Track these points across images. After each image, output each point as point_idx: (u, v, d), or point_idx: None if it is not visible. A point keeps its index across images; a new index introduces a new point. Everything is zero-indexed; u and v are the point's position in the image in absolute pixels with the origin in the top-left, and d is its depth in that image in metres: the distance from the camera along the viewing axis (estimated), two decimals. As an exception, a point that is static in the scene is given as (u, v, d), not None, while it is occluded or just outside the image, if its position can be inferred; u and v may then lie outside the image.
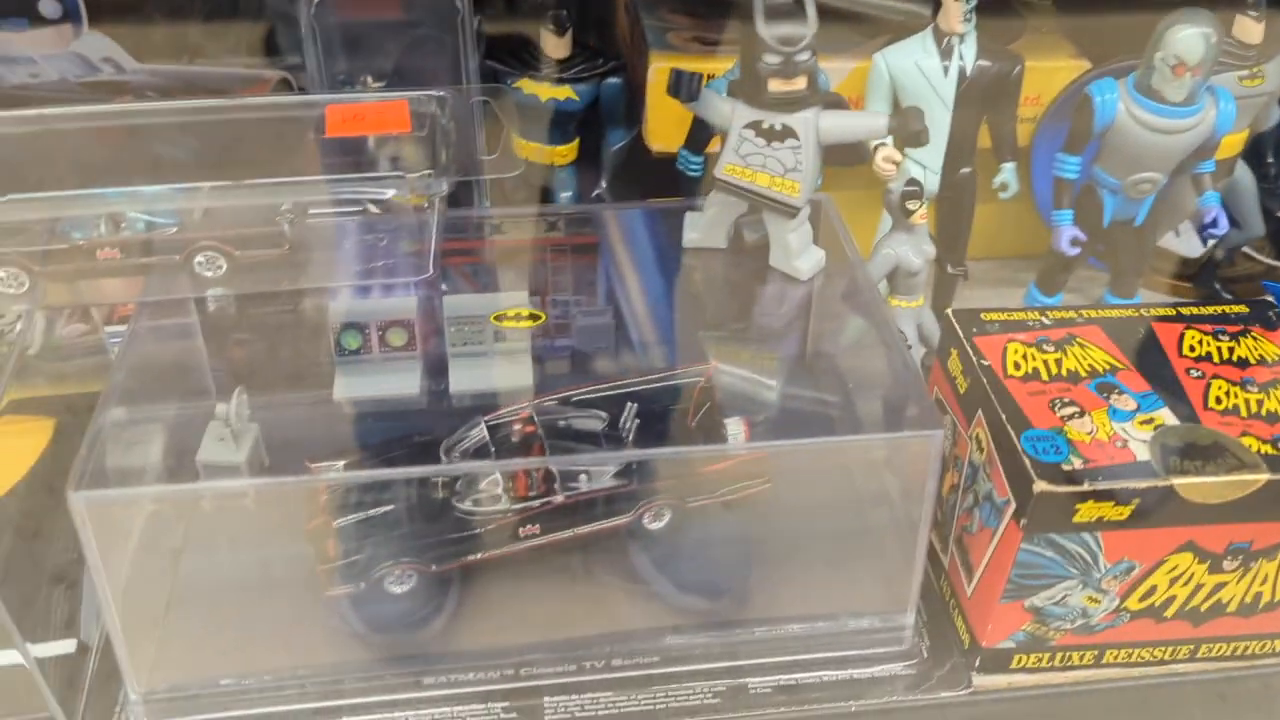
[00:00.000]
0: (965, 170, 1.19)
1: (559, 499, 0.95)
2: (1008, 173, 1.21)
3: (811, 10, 0.91)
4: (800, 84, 0.93)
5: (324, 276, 0.96)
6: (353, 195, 0.91)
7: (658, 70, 1.18)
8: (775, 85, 0.93)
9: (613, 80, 1.21)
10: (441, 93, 0.98)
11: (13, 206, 0.86)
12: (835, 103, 0.98)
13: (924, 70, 1.14)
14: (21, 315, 0.97)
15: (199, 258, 0.92)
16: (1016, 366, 0.95)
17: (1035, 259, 1.28)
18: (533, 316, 1.01)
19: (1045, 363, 0.95)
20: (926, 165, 1.17)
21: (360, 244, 0.95)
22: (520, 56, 1.23)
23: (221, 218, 0.92)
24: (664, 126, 1.20)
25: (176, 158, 0.97)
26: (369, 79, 1.16)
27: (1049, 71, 1.24)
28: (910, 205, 1.05)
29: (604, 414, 1.02)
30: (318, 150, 0.98)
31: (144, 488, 0.92)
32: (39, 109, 0.97)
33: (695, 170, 1.13)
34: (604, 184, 1.28)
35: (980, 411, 0.93)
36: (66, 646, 0.92)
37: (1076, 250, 1.16)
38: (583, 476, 0.96)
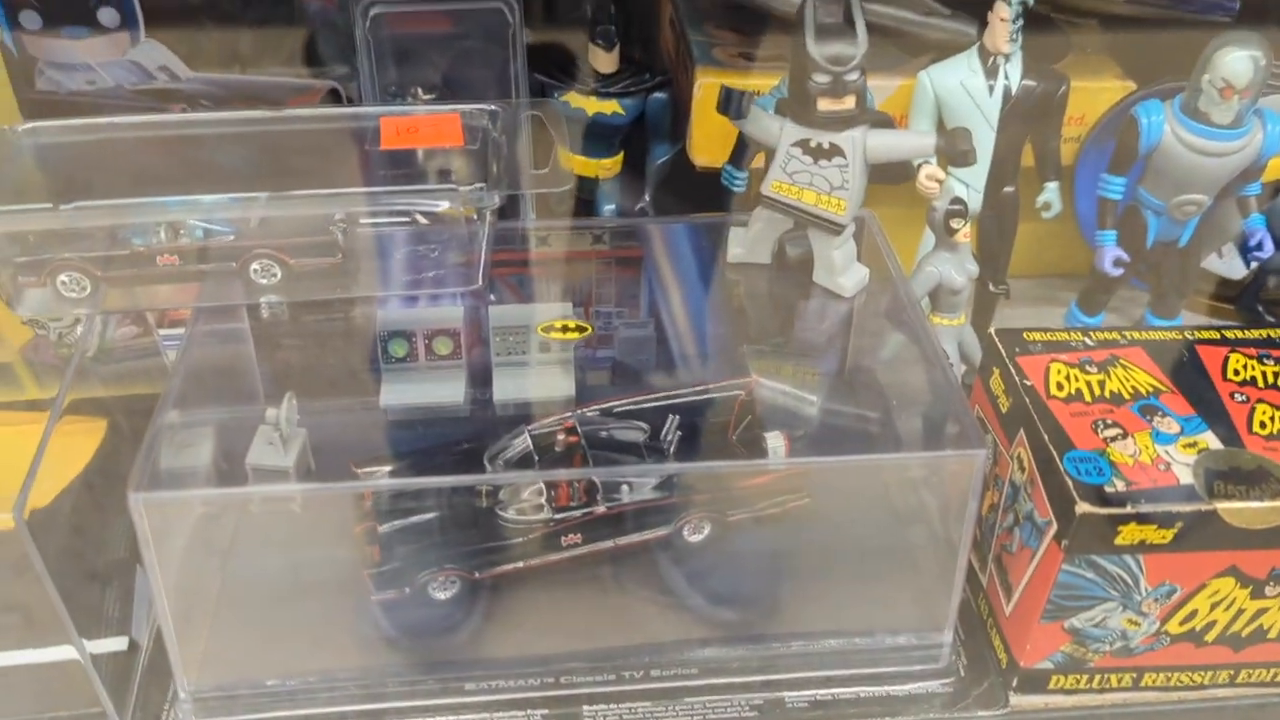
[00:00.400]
0: (1008, 189, 1.20)
1: (601, 509, 0.96)
2: (1051, 192, 1.21)
3: (861, 30, 0.92)
4: (849, 103, 0.93)
5: (375, 285, 0.98)
6: (405, 207, 0.93)
7: (704, 85, 1.20)
8: (824, 104, 0.93)
9: (658, 95, 1.23)
10: (493, 106, 1.00)
11: (77, 214, 0.88)
12: (882, 121, 0.98)
13: (969, 89, 1.15)
14: (81, 319, 0.99)
15: (255, 265, 0.94)
16: (1059, 387, 0.95)
17: (1076, 277, 1.28)
18: (579, 329, 1.03)
19: (1088, 384, 0.95)
20: (970, 184, 1.18)
21: (411, 254, 0.97)
22: (565, 69, 1.24)
23: (277, 226, 0.94)
24: (708, 141, 1.21)
25: (234, 167, 0.99)
26: (419, 90, 1.19)
27: (1094, 91, 1.24)
28: (954, 224, 1.05)
29: (646, 425, 1.03)
30: (370, 161, 1.00)
31: (202, 490, 0.94)
32: (103, 118, 0.99)
33: (739, 186, 1.14)
34: (647, 197, 1.29)
35: (1022, 431, 0.93)
36: (119, 644, 0.94)
37: (1120, 271, 1.16)
38: (624, 488, 0.97)
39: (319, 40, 1.36)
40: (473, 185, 0.93)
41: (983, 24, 1.15)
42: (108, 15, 1.30)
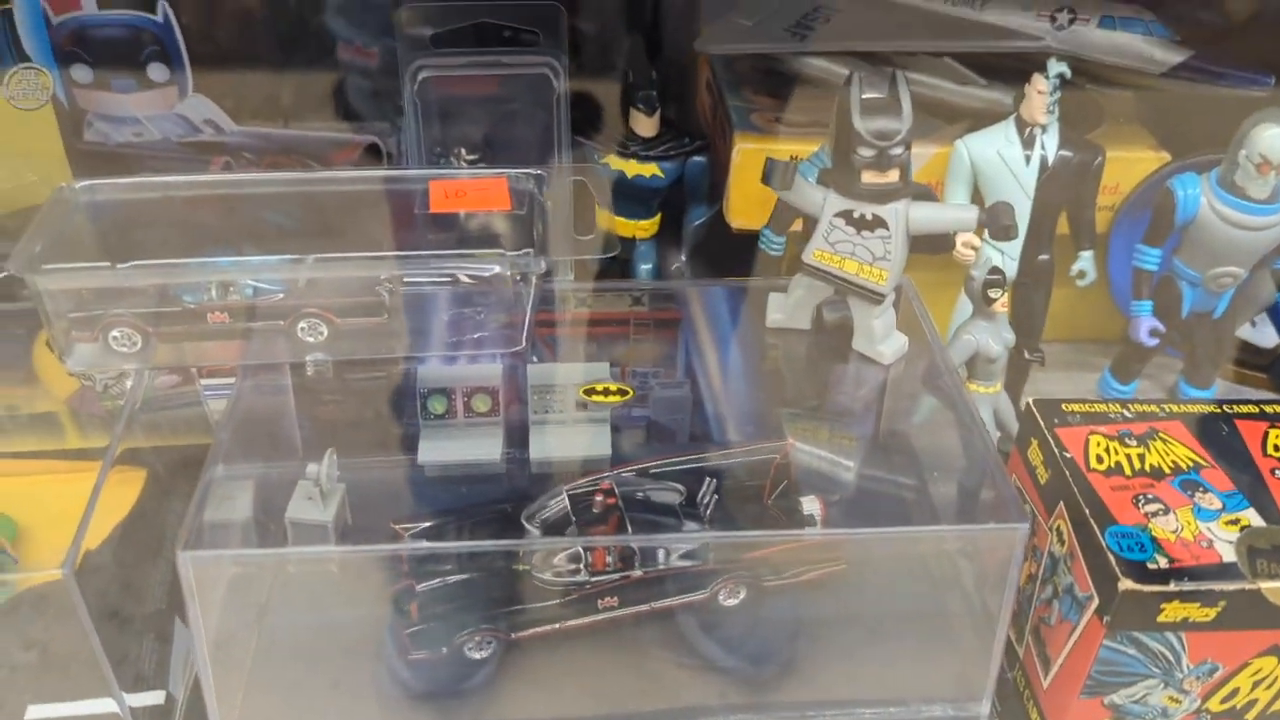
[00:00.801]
0: (1043, 257, 1.20)
1: (637, 573, 0.97)
2: (1086, 261, 1.22)
3: (907, 106, 0.94)
4: (893, 176, 0.95)
5: (420, 345, 0.99)
6: (454, 270, 0.94)
7: (742, 150, 1.21)
8: (868, 177, 0.95)
9: (697, 159, 1.25)
10: (539, 171, 1.01)
11: (133, 272, 0.90)
12: (924, 194, 1.00)
13: (1006, 159, 1.16)
14: (131, 373, 1.01)
15: (302, 324, 0.95)
16: (1099, 460, 0.95)
17: (1108, 343, 1.28)
18: (620, 392, 1.03)
19: (1128, 457, 0.95)
20: (1005, 251, 1.18)
21: (456, 315, 0.98)
22: (603, 130, 1.26)
23: (325, 286, 0.95)
24: (745, 204, 1.23)
25: (283, 226, 1.01)
26: (462, 151, 1.21)
27: (1128, 162, 1.25)
28: (992, 294, 1.06)
29: (682, 488, 1.03)
30: (417, 223, 1.01)
31: (251, 550, 0.95)
32: (157, 177, 1.01)
33: (777, 250, 1.15)
34: (684, 258, 1.30)
35: (1062, 504, 0.93)
36: (155, 698, 0.94)
37: (1155, 341, 1.17)
38: (661, 552, 0.97)
39: (360, 96, 1.39)
40: (520, 250, 0.95)
41: (1018, 94, 1.17)
42: (157, 70, 1.33)
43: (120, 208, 0.99)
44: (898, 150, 0.94)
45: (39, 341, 1.09)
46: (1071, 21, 1.22)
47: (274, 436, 1.07)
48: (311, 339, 0.96)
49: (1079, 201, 1.19)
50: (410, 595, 0.96)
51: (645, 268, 1.29)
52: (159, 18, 1.29)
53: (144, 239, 0.95)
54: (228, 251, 0.95)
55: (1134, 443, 0.97)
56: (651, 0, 1.44)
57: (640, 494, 1.03)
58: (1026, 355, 1.22)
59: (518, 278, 0.97)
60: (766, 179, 0.98)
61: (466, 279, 0.97)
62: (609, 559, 0.96)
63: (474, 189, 0.98)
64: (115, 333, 0.93)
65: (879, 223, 0.97)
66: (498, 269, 0.94)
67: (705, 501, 1.02)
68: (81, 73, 1.33)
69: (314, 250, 0.95)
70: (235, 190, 1.03)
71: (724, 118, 1.28)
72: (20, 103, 1.25)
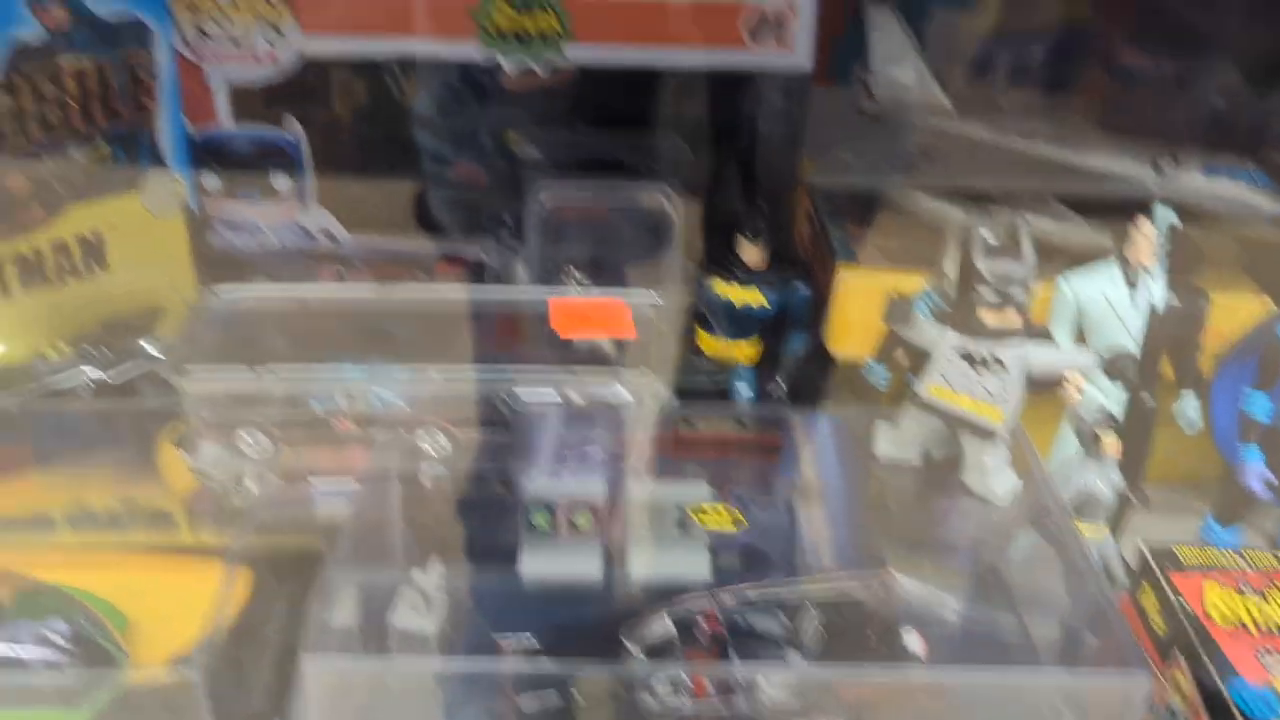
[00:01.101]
0: (1146, 399, 1.20)
1: (740, 703, 0.95)
2: (1189, 405, 1.21)
3: (1029, 249, 0.96)
4: (1013, 317, 0.96)
5: (532, 459, 1.01)
6: (574, 388, 0.97)
7: (845, 281, 1.24)
8: (988, 317, 0.96)
9: (801, 288, 1.27)
10: (657, 297, 1.04)
11: (269, 378, 0.94)
12: (1043, 334, 1.01)
13: (1111, 300, 1.17)
14: (249, 474, 1.03)
15: (424, 434, 0.98)
16: (1219, 610, 0.93)
17: (1207, 486, 1.27)
18: (735, 522, 1.04)
19: (1248, 609, 0.94)
20: (1108, 393, 1.18)
21: (569, 431, 1.00)
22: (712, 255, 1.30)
23: (448, 398, 0.98)
24: (847, 334, 1.25)
25: (408, 337, 1.04)
26: (572, 269, 1.25)
27: (1229, 308, 1.24)
28: (1103, 436, 1.06)
29: (784, 616, 1.02)
30: (533, 339, 1.05)
31: (376, 656, 0.95)
32: (292, 285, 1.06)
33: (884, 383, 1.16)
34: (783, 384, 1.32)
35: (1180, 655, 0.91)
36: (257, 803, 0.94)
37: (1270, 494, 1.15)
38: (761, 682, 0.96)
39: (467, 213, 1.45)
40: (636, 370, 0.97)
41: (1118, 232, 1.18)
42: (281, 182, 1.40)
43: (258, 314, 1.03)
44: (1018, 292, 0.96)
45: (164, 438, 1.13)
46: (1174, 167, 1.25)
47: (382, 542, 1.09)
48: (432, 449, 0.98)
49: (1183, 345, 1.19)
50: (514, 713, 0.95)
51: (744, 391, 1.30)
52: (291, 136, 1.37)
53: (279, 346, 0.99)
54: (356, 361, 0.98)
55: (1253, 594, 0.95)
56: (749, 130, 1.49)
57: (741, 620, 1.02)
58: (1131, 497, 1.20)
59: (632, 397, 0.99)
60: (888, 317, 1.00)
61: (582, 397, 0.99)
62: (710, 687, 0.95)
63: (596, 312, 1.01)
64: (245, 435, 0.96)
65: (997, 362, 0.98)
66: (617, 387, 0.96)
67: (809, 633, 1.01)
68: (211, 181, 1.40)
69: (438, 361, 0.98)
70: (365, 303, 1.07)
71: (826, 248, 1.31)
72: (156, 211, 1.32)
